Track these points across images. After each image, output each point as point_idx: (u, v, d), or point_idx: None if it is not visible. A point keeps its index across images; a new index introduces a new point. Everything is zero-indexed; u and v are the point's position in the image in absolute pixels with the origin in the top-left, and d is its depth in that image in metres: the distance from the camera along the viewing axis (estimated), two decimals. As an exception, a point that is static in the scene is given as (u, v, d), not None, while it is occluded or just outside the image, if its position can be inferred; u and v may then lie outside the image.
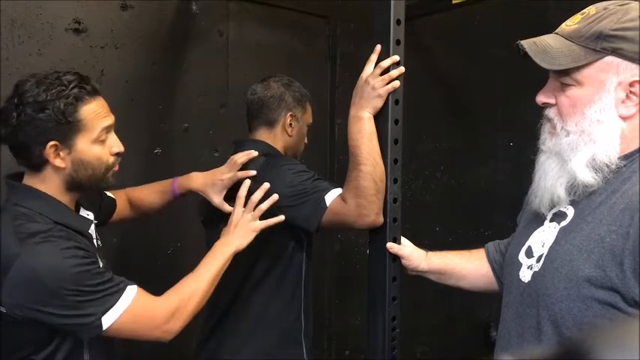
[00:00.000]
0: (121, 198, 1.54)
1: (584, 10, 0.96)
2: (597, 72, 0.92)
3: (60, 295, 1.03)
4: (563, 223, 0.98)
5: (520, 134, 2.58)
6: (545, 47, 0.95)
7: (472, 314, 2.77)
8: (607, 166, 0.92)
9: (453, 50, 2.67)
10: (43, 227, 1.08)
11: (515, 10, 2.55)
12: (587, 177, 0.93)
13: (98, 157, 1.14)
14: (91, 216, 1.26)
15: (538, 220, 1.05)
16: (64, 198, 1.16)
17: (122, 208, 1.53)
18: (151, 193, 1.56)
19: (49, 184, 1.14)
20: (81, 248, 1.09)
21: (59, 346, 1.11)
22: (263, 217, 1.39)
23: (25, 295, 1.04)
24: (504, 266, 1.15)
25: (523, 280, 1.01)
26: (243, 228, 1.33)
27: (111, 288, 1.09)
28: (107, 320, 1.07)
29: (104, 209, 1.44)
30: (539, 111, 1.04)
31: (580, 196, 0.95)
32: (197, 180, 1.48)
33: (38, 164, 1.12)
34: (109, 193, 1.49)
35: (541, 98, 1.00)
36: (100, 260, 1.17)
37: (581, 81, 0.93)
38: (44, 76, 1.10)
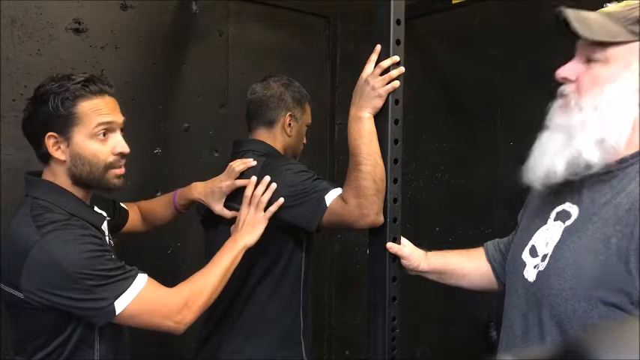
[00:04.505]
0: (134, 210, 1.58)
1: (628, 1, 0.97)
2: (626, 53, 0.92)
3: (75, 279, 1.06)
4: (568, 223, 0.97)
5: (520, 134, 2.58)
6: (586, 18, 0.94)
7: (472, 314, 2.77)
8: (614, 149, 0.91)
9: (452, 50, 2.67)
10: (60, 217, 1.12)
11: (515, 10, 2.55)
12: (593, 156, 0.91)
13: (94, 153, 1.15)
14: (103, 214, 1.29)
15: (541, 218, 1.04)
16: (77, 192, 1.19)
17: (135, 221, 1.57)
18: (160, 206, 1.61)
19: (59, 177, 1.18)
20: (96, 237, 1.14)
21: (71, 335, 1.14)
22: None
23: (42, 279, 1.07)
24: (507, 265, 1.15)
25: (528, 279, 1.01)
26: (250, 223, 1.35)
27: (124, 274, 1.12)
28: (120, 305, 1.09)
29: (116, 219, 1.47)
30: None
31: (577, 175, 0.93)
32: (197, 189, 1.51)
33: (44, 156, 1.17)
34: (122, 205, 1.54)
35: (562, 73, 0.98)
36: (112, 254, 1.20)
37: (608, 58, 0.92)
38: (60, 75, 1.16)
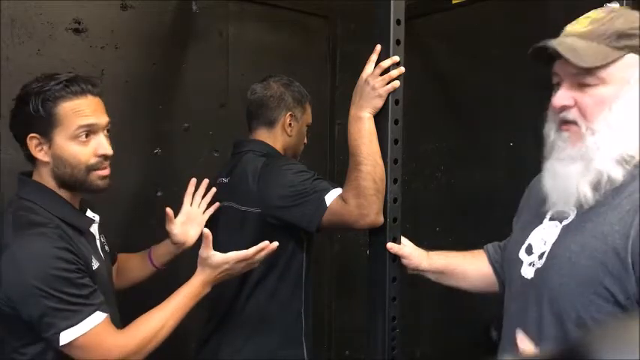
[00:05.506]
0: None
1: (587, 15, 0.97)
2: (621, 70, 0.92)
3: (33, 294, 1.02)
4: (565, 222, 0.98)
5: (520, 134, 2.58)
6: (572, 46, 0.94)
7: (472, 314, 2.76)
8: (632, 158, 0.92)
9: (453, 50, 2.67)
10: (41, 220, 1.09)
11: (515, 10, 2.55)
12: (616, 173, 0.92)
13: (74, 155, 1.13)
14: (96, 218, 1.26)
15: (536, 219, 1.05)
16: (64, 194, 1.17)
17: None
18: (136, 259, 1.50)
19: (45, 178, 1.16)
20: (72, 252, 1.08)
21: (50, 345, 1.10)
22: (260, 220, 1.39)
23: (5, 286, 1.04)
24: (504, 265, 1.16)
25: (525, 276, 1.02)
26: (222, 274, 1.26)
27: (81, 305, 1.06)
28: (65, 337, 1.05)
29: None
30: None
31: (604, 193, 0.93)
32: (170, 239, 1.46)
33: (29, 157, 1.15)
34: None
35: (559, 102, 0.97)
36: (96, 261, 1.17)
37: (605, 79, 0.93)
38: (44, 75, 1.13)
